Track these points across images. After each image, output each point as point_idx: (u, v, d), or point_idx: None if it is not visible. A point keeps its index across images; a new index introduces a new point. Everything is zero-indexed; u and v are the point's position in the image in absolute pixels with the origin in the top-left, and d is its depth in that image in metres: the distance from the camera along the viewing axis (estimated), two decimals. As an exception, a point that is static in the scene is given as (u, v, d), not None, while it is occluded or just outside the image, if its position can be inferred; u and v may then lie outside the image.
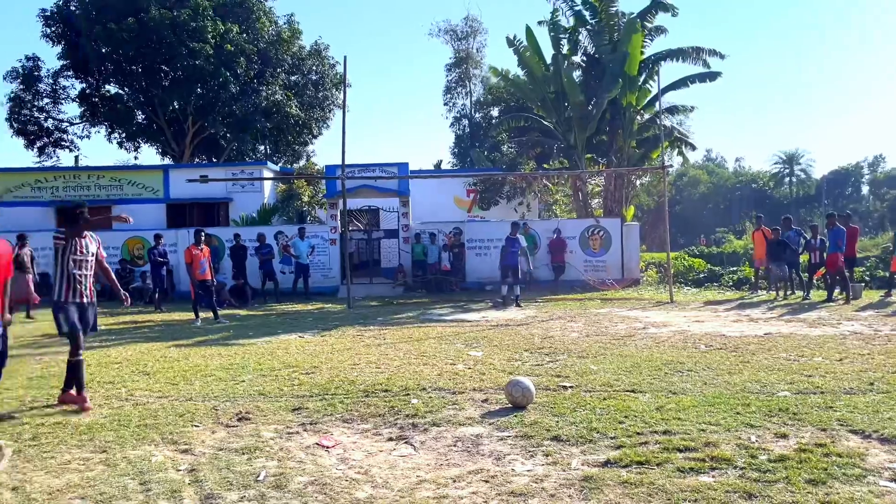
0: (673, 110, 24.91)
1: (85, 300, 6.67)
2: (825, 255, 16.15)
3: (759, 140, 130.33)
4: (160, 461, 5.03)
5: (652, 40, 23.68)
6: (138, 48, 30.12)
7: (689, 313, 13.76)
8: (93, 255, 6.77)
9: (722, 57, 23.12)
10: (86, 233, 6.74)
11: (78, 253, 6.61)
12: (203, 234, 14.31)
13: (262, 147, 38.13)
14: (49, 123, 35.25)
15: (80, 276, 6.64)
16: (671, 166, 21.86)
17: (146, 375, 8.26)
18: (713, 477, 4.44)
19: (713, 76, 23.10)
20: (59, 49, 32.99)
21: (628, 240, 21.40)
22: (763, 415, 5.81)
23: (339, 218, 21.29)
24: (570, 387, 7.05)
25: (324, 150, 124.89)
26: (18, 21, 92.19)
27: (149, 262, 18.38)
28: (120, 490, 4.49)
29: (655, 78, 21.99)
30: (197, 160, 36.56)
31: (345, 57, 17.19)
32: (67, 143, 35.88)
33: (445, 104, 50.44)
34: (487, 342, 10.17)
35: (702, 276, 21.42)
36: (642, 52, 22.76)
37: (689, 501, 4.09)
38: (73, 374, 6.51)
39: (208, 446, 5.38)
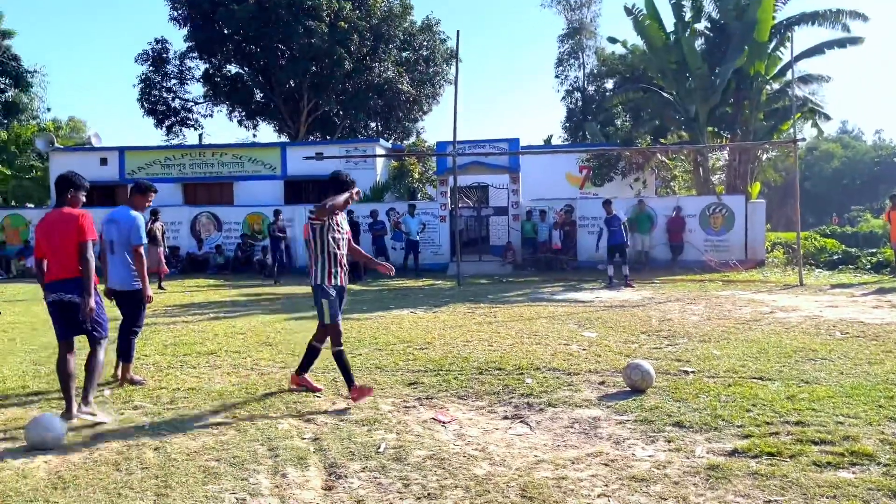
0: (806, 79, 23.36)
1: (343, 282, 6.17)
2: None
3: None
4: (286, 429, 5.29)
5: (785, 3, 22.23)
6: (257, 28, 31.37)
7: (821, 298, 13.01)
8: (347, 231, 6.22)
9: (865, 19, 21.41)
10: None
11: (336, 231, 6.03)
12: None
13: (373, 124, 38.95)
14: (176, 103, 37.48)
15: (341, 255, 6.09)
16: (803, 139, 20.54)
17: (269, 346, 8.65)
18: (853, 473, 4.22)
19: (854, 41, 21.44)
20: (184, 31, 34.90)
21: (753, 218, 20.32)
22: (909, 409, 5.42)
23: (448, 195, 21.52)
24: (692, 372, 6.86)
25: (433, 127, 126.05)
26: (148, 4, 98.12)
27: (268, 237, 19.28)
28: (251, 455, 4.77)
29: (787, 44, 20.60)
30: (311, 138, 37.80)
31: (457, 31, 17.17)
32: (193, 122, 38.06)
33: (557, 76, 49.64)
34: (601, 323, 10.02)
35: (835, 257, 20.01)
36: (773, 17, 21.41)
37: (828, 497, 3.91)
38: (341, 366, 6.08)
39: (330, 416, 5.60)
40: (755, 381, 6.44)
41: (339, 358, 6.05)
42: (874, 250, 20.40)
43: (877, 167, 70.51)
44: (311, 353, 6.36)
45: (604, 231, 16.39)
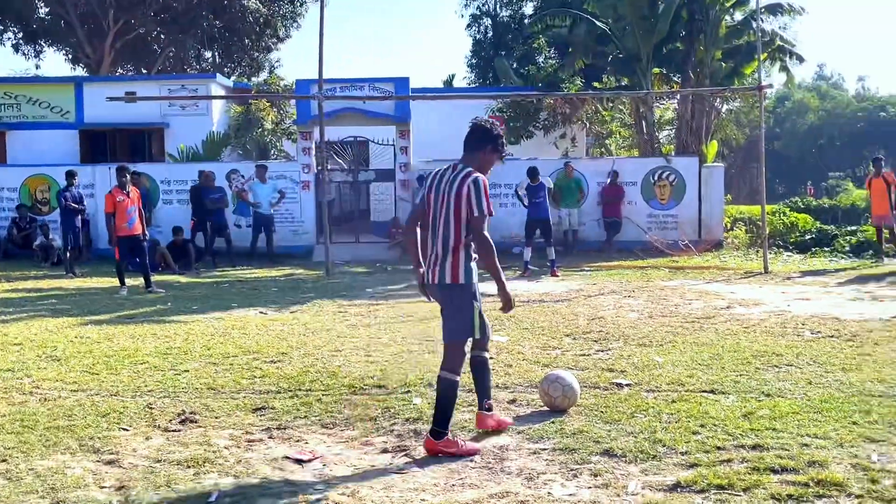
0: (775, 10, 24.57)
1: None
2: None
3: (893, 54, 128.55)
4: (78, 475, 5.13)
5: (749, -89, 23.32)
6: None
7: (789, 288, 13.78)
8: None
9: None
10: None
11: None
12: (130, 172, 14.35)
13: (208, 54, 38.02)
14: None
15: None
16: (770, 87, 21.55)
17: (56, 362, 8.38)
18: (819, 508, 4.48)
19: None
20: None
21: (709, 187, 21.37)
22: (888, 426, 5.84)
23: (314, 153, 21.29)
24: (628, 385, 7.10)
25: (293, 61, 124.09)
26: None
27: (59, 210, 18.46)
28: (26, 512, 4.58)
29: (752, -36, 21.68)
30: (121, 71, 36.49)
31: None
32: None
33: (460, -3, 49.97)
34: (514, 324, 10.23)
35: (808, 237, 21.35)
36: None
37: (787, 539, 4.15)
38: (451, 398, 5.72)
39: (141, 457, 5.47)
40: (705, 395, 6.73)
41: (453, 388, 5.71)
42: (855, 228, 21.81)
43: (860, 124, 75.22)
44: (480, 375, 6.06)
45: (524, 200, 16.69)
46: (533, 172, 16.61)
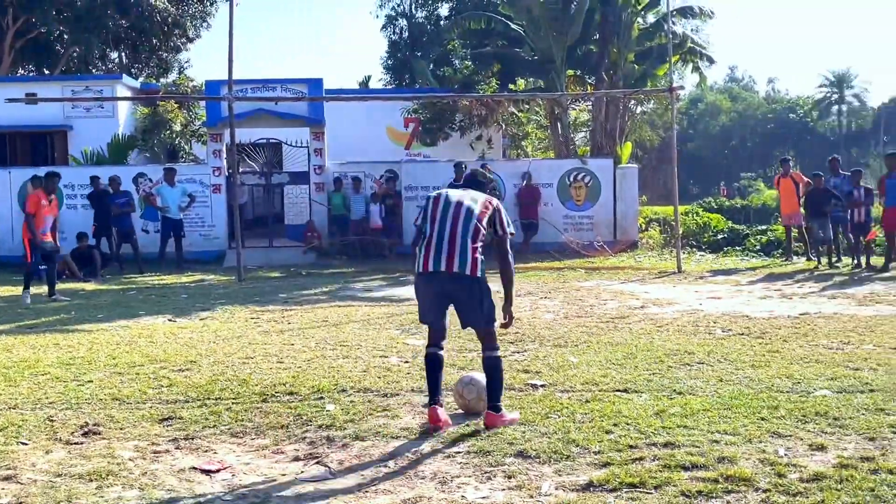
0: (686, 13, 25.19)
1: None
2: (870, 209, 16.99)
3: (801, 56, 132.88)
4: (-28, 493, 4.94)
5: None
6: None
7: (701, 287, 14.23)
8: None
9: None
10: None
11: None
12: (55, 178, 14.02)
13: (114, 54, 37.18)
14: None
15: None
16: (682, 88, 22.13)
17: (-49, 375, 8.07)
18: (728, 503, 4.58)
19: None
20: None
21: (623, 188, 21.84)
22: (795, 421, 6.01)
23: (224, 155, 21.02)
24: (542, 385, 7.20)
25: (203, 61, 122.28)
26: None
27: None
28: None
29: (663, -33, 22.18)
30: (21, 72, 35.41)
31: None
32: None
33: (376, -2, 49.93)
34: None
35: (721, 237, 22.04)
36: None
37: (696, 535, 4.22)
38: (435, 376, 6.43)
39: (41, 471, 5.31)
40: (619, 394, 6.87)
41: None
42: (765, 227, 22.59)
43: (770, 125, 77.74)
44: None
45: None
46: (459, 168, 17.34)
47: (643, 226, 23.32)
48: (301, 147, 22.72)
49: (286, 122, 21.64)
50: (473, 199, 6.34)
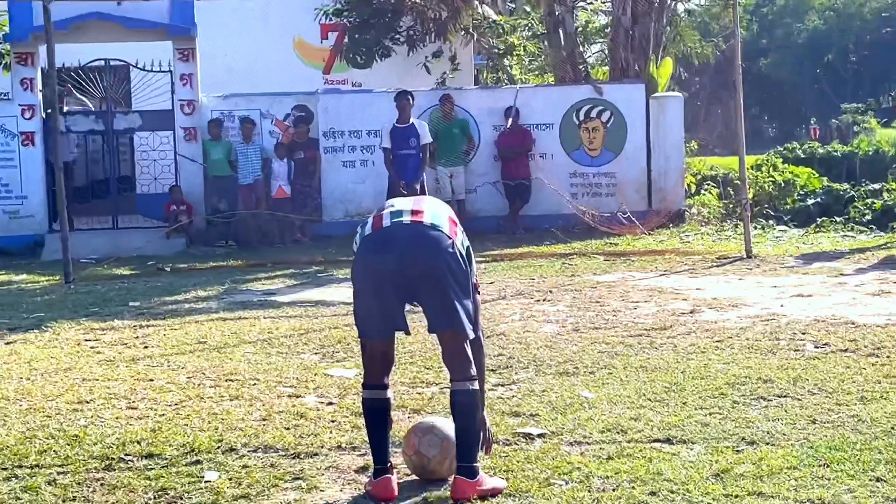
0: None
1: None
2: None
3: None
4: None
5: None
6: None
7: (784, 280, 11.81)
8: None
9: None
10: None
11: None
12: None
13: None
14: None
15: None
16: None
17: None
18: None
19: None
20: None
21: (662, 130, 17.73)
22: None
23: (39, 87, 17.07)
24: (540, 435, 5.81)
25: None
26: None
27: None
28: None
29: None
30: None
31: None
32: None
33: None
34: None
35: (811, 203, 18.35)
36: None
37: None
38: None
39: None
40: (658, 445, 5.51)
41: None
42: (880, 187, 18.80)
43: (887, 29, 56.68)
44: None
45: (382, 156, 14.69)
46: (403, 100, 14.64)
47: (692, 187, 19.37)
48: (160, 72, 18.07)
49: (136, 34, 17.28)
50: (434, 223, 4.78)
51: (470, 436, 4.87)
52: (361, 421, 6.08)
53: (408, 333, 4.96)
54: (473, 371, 4.81)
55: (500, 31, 20.93)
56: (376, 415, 4.93)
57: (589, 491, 4.77)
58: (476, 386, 4.83)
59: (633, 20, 18.73)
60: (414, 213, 4.68)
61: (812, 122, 47.29)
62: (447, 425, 5.19)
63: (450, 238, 4.66)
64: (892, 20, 54.46)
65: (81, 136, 18.64)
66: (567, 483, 4.92)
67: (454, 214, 4.92)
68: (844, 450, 5.21)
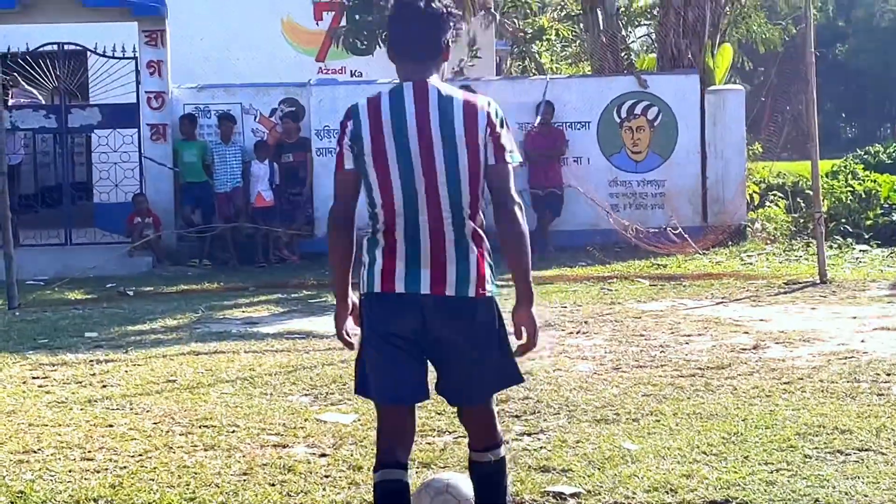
0: None
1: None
2: None
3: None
4: None
5: None
6: None
7: (865, 310, 10.99)
8: None
9: None
10: None
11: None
12: None
13: None
14: None
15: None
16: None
17: None
18: None
19: None
20: None
21: (719, 129, 16.77)
22: None
23: None
24: (574, 495, 5.52)
25: None
26: None
27: None
28: None
29: None
30: None
31: None
32: None
33: None
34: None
35: None
36: None
37: None
38: None
39: None
40: None
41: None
42: None
43: None
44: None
45: None
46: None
47: (754, 198, 18.35)
48: (124, 58, 16.68)
49: (95, 13, 16.23)
50: (447, 114, 3.99)
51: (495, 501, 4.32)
52: (359, 476, 5.80)
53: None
54: (500, 434, 4.22)
55: (528, 10, 20.19)
56: (391, 499, 4.20)
57: (634, 574, 4.57)
58: (504, 452, 4.20)
59: (684, 1, 17.55)
60: (434, 275, 3.90)
61: (900, 121, 44.99)
62: (464, 484, 4.60)
63: (474, 295, 3.94)
64: None
65: (29, 135, 17.74)
66: (608, 556, 4.76)
67: (482, 238, 4.04)
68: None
